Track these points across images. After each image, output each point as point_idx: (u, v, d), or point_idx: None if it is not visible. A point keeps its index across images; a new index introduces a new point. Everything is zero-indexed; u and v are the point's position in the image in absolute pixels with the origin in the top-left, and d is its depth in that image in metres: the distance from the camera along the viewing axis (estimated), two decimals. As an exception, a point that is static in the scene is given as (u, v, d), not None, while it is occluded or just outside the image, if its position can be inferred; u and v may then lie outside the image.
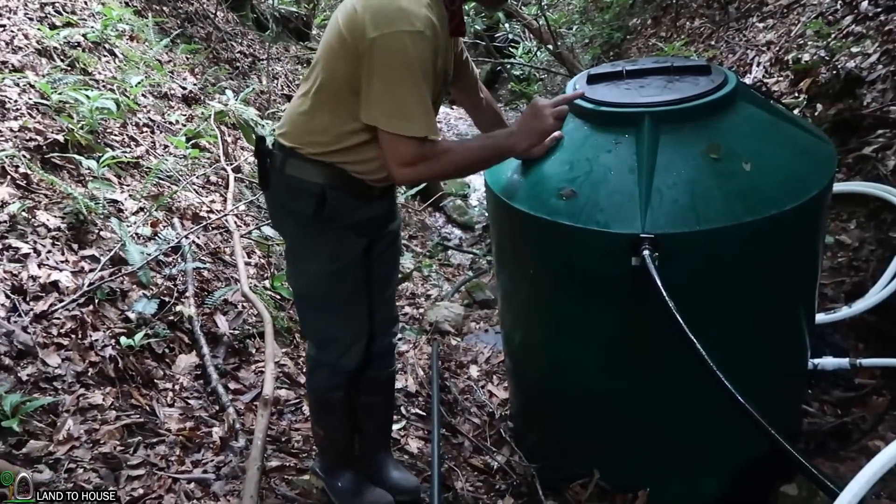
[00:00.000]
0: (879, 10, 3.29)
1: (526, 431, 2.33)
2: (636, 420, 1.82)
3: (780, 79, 3.73)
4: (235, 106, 4.07)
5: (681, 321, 1.40)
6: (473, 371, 2.94)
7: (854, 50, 3.21)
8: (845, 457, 1.93)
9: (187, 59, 5.02)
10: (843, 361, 2.30)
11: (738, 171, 1.60)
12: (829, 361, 2.33)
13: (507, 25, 8.26)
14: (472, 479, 2.23)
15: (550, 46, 6.16)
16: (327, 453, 1.90)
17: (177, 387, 2.17)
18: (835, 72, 3.22)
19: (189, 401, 2.14)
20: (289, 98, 6.27)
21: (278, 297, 2.95)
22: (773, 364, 1.82)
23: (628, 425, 1.84)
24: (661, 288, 1.45)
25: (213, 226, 3.02)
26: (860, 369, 2.33)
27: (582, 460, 1.99)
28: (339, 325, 1.69)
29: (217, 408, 2.16)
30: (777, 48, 4.01)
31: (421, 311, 3.56)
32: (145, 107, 3.81)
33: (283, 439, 2.14)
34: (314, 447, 2.15)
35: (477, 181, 6.45)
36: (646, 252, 1.51)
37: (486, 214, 5.74)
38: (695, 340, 1.38)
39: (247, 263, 2.92)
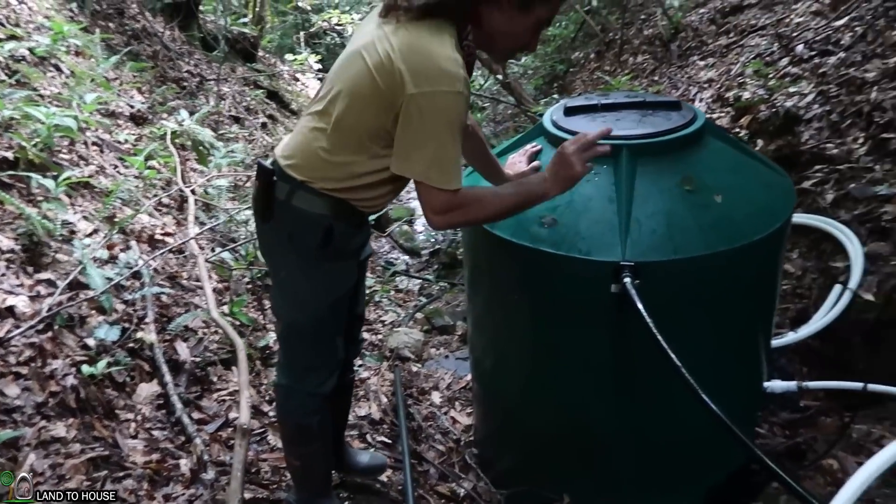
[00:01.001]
0: (814, 53, 3.53)
1: (494, 457, 2.34)
2: (612, 443, 1.86)
3: (722, 115, 3.93)
4: (191, 126, 3.98)
5: (663, 343, 1.46)
6: (436, 397, 2.93)
7: (791, 90, 3.42)
8: (804, 476, 2.02)
9: (134, 77, 4.89)
10: (791, 384, 2.41)
11: (711, 202, 1.68)
12: (777, 384, 2.43)
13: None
14: (440, 506, 2.22)
15: (500, 76, 6.30)
16: (304, 483, 1.86)
17: (139, 417, 2.08)
18: (774, 110, 3.42)
19: (153, 432, 2.06)
20: (237, 119, 6.18)
21: (238, 323, 2.87)
22: (739, 386, 1.91)
23: (604, 449, 1.88)
24: (644, 312, 1.50)
25: (172, 249, 2.93)
26: (806, 392, 2.44)
27: (553, 485, 2.01)
28: (326, 354, 1.69)
29: (183, 439, 2.08)
30: (718, 86, 4.23)
31: (379, 337, 3.54)
32: (89, 125, 3.68)
33: (253, 470, 2.08)
34: (284, 478, 2.10)
35: (421, 208, 6.49)
36: (627, 279, 1.57)
37: (433, 240, 5.81)
38: (677, 361, 1.43)
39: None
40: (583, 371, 1.81)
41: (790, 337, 2.54)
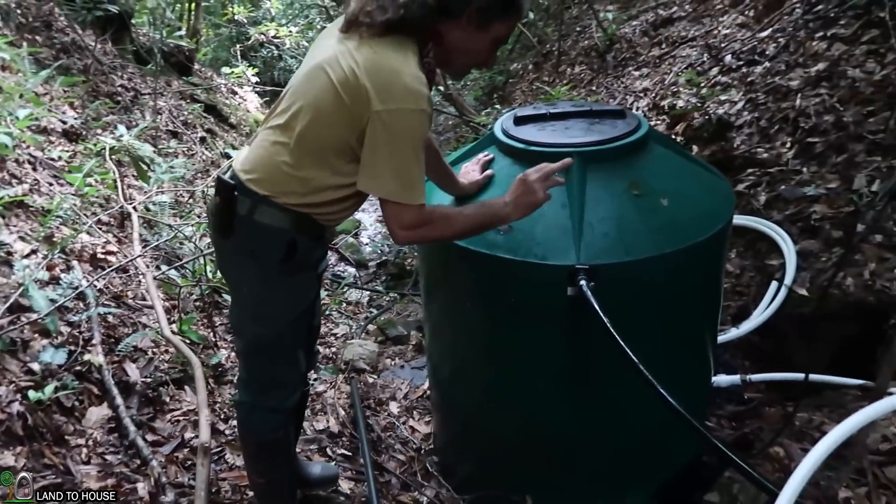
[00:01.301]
0: (741, 63, 3.72)
1: (455, 464, 2.36)
2: (571, 444, 1.90)
3: (658, 122, 4.09)
4: (130, 142, 3.87)
5: (621, 342, 1.51)
6: (393, 407, 2.94)
7: (722, 98, 3.60)
8: (753, 464, 2.11)
9: (66, 92, 4.72)
10: (735, 378, 2.51)
11: (658, 206, 1.75)
12: (723, 379, 2.54)
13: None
14: (403, 516, 2.23)
15: (442, 87, 6.36)
16: (269, 500, 1.84)
17: (90, 442, 2.01)
18: (707, 117, 3.58)
19: (106, 456, 1.99)
20: (174, 134, 6.03)
21: (188, 341, 2.80)
22: (690, 381, 1.99)
23: (564, 449, 1.92)
24: (600, 311, 1.55)
25: (114, 267, 2.84)
26: (749, 385, 2.56)
27: (515, 488, 2.04)
28: (289, 368, 1.68)
29: (138, 462, 2.02)
30: (653, 94, 4.40)
31: (333, 350, 3.51)
32: (24, 142, 3.54)
33: (213, 490, 2.04)
34: (246, 496, 2.07)
35: (368, 220, 6.51)
36: (582, 282, 1.62)
37: (380, 252, 5.81)
38: (634, 358, 1.49)
39: (151, 307, 2.76)
40: (540, 374, 1.85)
41: (732, 333, 2.65)
